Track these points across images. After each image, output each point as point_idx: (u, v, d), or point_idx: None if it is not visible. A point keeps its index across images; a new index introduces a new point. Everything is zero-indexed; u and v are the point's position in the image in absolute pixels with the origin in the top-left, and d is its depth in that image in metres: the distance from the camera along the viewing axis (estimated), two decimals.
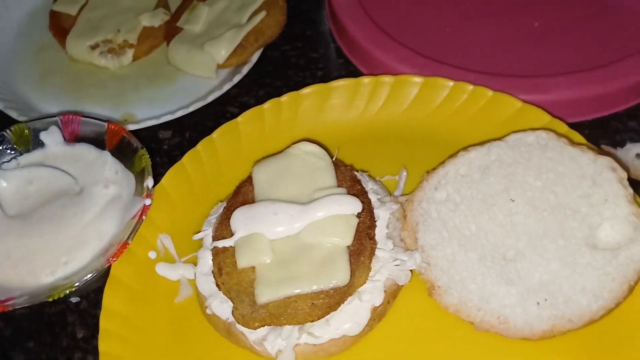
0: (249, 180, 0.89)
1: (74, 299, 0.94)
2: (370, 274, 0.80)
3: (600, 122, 1.07)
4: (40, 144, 0.99)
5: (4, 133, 0.97)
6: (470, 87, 1.00)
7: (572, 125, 0.95)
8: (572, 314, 0.74)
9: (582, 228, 0.79)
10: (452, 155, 0.90)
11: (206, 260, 0.85)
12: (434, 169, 0.90)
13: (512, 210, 0.83)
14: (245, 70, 1.16)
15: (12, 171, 0.95)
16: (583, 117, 1.07)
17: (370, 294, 0.79)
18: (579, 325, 0.74)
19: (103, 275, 0.86)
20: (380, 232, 0.84)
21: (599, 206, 0.80)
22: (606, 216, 0.79)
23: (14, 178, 0.94)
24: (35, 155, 0.99)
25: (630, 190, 0.80)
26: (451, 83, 1.01)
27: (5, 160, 0.98)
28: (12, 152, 0.98)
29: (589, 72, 1.05)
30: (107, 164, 0.96)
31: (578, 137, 0.92)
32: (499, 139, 0.89)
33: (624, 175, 0.81)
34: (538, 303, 0.76)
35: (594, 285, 0.75)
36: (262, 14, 1.17)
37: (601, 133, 1.05)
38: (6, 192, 0.94)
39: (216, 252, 0.83)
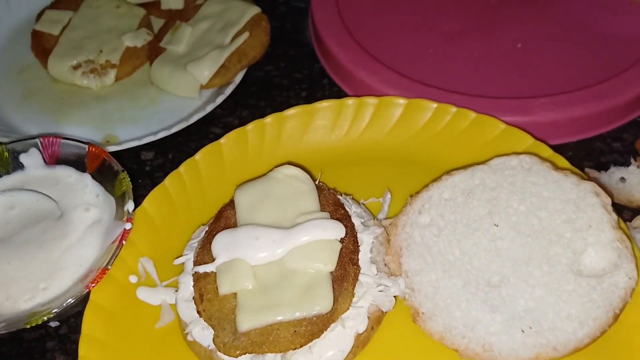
0: (231, 204, 0.88)
1: (53, 324, 0.92)
2: (354, 300, 0.79)
3: (584, 144, 1.07)
4: (20, 166, 0.98)
5: None
6: (454, 109, 1.00)
7: (556, 147, 0.95)
8: (557, 342, 0.74)
9: (567, 254, 0.79)
10: (436, 179, 0.89)
11: (187, 285, 0.84)
12: (417, 192, 0.89)
13: (496, 235, 0.82)
14: (228, 91, 1.15)
15: None
16: (567, 138, 1.07)
17: (353, 321, 0.78)
18: (564, 353, 0.73)
19: (83, 300, 0.85)
20: (363, 256, 0.84)
21: (583, 232, 0.79)
22: (590, 242, 0.78)
23: None
24: (14, 178, 0.97)
25: (615, 216, 0.80)
26: (434, 105, 1.01)
27: None
28: None
29: (573, 94, 1.06)
30: (87, 187, 0.95)
31: (562, 160, 0.92)
32: (483, 162, 0.89)
33: (608, 200, 0.81)
34: (523, 331, 0.75)
35: (579, 313, 0.75)
36: (246, 34, 1.17)
37: (585, 155, 1.06)
38: None
39: (197, 278, 0.82)
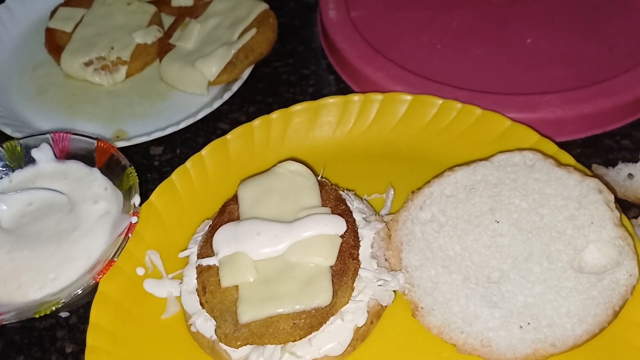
0: (234, 198, 0.89)
1: (63, 314, 0.95)
2: (354, 294, 0.80)
3: (592, 141, 1.06)
4: (31, 161, 1.00)
5: None
6: (459, 105, 1.00)
7: (564, 144, 0.95)
8: (555, 338, 0.73)
9: (568, 251, 0.78)
10: (438, 175, 0.89)
11: (191, 278, 0.86)
12: (419, 188, 0.89)
13: (497, 231, 0.82)
14: (235, 87, 1.16)
15: (13, 195, 0.95)
16: (575, 135, 1.06)
17: (353, 314, 0.79)
18: (562, 349, 0.73)
19: (93, 291, 0.87)
20: (364, 251, 0.84)
21: (584, 229, 0.79)
22: (592, 239, 0.78)
23: (15, 202, 0.95)
24: (26, 172, 1.00)
25: (617, 213, 0.79)
26: (440, 101, 1.01)
27: None
28: (4, 168, 1.00)
29: (580, 90, 1.04)
30: (96, 181, 0.97)
31: (567, 157, 0.91)
32: (486, 158, 0.89)
33: (611, 197, 0.80)
34: (521, 326, 0.75)
35: (579, 309, 0.74)
36: (253, 31, 1.18)
37: (593, 152, 1.05)
38: (6, 214, 0.95)
39: (200, 270, 0.83)
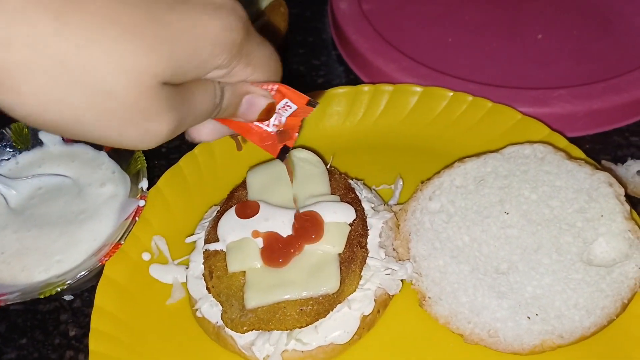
0: (243, 185, 0.89)
1: (67, 297, 0.94)
2: (361, 282, 0.79)
3: (601, 137, 1.06)
4: (39, 143, 1.00)
5: (4, 131, 0.98)
6: (470, 97, 1.00)
7: (573, 140, 0.94)
8: (563, 330, 0.73)
9: (577, 243, 0.78)
10: (448, 166, 0.89)
11: (198, 263, 0.85)
12: (429, 179, 0.89)
13: (506, 222, 0.82)
14: None
15: (24, 180, 0.95)
16: (584, 131, 1.05)
17: (360, 303, 0.79)
18: (570, 341, 0.73)
19: (98, 275, 0.86)
20: (372, 240, 0.84)
21: (594, 221, 0.79)
22: (601, 232, 0.77)
23: (26, 187, 0.95)
24: (33, 154, 1.00)
25: (627, 207, 0.79)
26: (451, 93, 1.01)
27: (4, 158, 0.99)
28: (11, 150, 0.99)
29: (591, 86, 1.04)
30: (103, 165, 0.97)
31: (577, 151, 0.91)
32: (496, 150, 0.89)
33: (621, 191, 0.80)
34: (529, 317, 0.75)
35: (587, 302, 0.74)
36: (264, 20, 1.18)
37: (602, 148, 1.04)
38: (15, 197, 0.94)
39: (207, 256, 0.83)
